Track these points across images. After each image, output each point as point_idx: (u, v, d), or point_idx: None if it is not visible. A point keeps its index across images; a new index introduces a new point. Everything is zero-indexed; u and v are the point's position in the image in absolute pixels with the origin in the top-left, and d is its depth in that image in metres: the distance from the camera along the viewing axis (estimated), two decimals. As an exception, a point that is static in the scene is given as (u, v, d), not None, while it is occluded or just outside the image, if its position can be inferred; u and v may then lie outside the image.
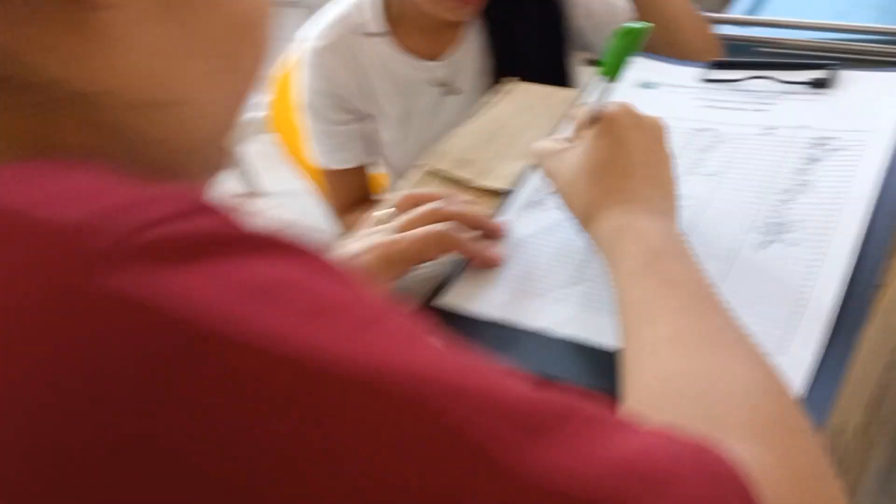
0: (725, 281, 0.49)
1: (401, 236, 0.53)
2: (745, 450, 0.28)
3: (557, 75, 1.05)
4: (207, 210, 0.26)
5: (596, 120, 0.50)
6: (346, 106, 1.04)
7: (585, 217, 0.49)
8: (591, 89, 0.52)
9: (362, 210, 1.12)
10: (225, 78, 0.33)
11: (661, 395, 0.34)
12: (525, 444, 0.24)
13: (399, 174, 1.18)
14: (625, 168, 0.48)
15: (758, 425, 0.31)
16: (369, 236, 0.54)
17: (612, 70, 0.53)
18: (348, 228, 1.15)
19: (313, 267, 0.26)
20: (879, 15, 1.09)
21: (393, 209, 0.57)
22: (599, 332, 0.48)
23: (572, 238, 0.55)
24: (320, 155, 1.09)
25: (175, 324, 0.22)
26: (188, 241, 0.24)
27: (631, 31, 0.52)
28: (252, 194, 2.73)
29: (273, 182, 2.69)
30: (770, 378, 0.34)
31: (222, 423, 0.22)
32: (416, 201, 0.57)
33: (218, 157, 0.35)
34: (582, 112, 0.53)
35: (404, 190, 0.62)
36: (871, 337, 0.45)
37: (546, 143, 0.55)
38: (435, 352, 0.26)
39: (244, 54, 0.33)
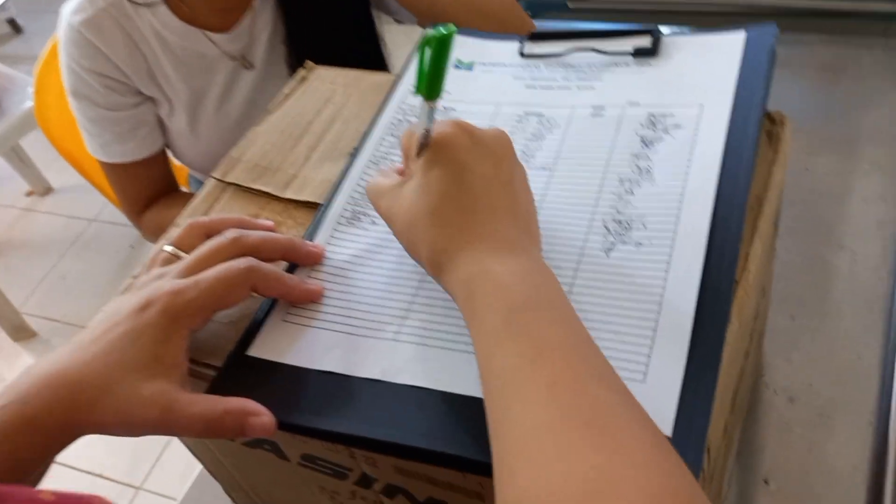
0: (570, 295, 0.43)
1: (188, 282, 0.42)
2: None
3: (362, 40, 0.96)
4: None
5: (425, 147, 0.42)
6: (119, 88, 0.89)
7: (433, 266, 0.40)
8: (418, 112, 0.42)
9: (167, 205, 0.98)
10: None
11: None
12: None
13: (193, 167, 1.05)
14: (467, 201, 0.40)
15: None
16: (148, 285, 0.44)
17: (429, 87, 0.41)
18: (150, 231, 1.01)
19: None
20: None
21: (171, 248, 0.47)
22: (443, 376, 0.41)
23: (400, 257, 0.47)
24: (98, 148, 0.94)
25: None
26: None
27: (436, 39, 0.40)
28: (38, 192, 2.45)
29: (61, 178, 2.42)
30: (669, 479, 0.29)
31: None
32: (204, 231, 0.47)
33: None
34: (408, 138, 0.44)
35: (187, 218, 0.51)
36: (733, 338, 0.41)
37: (377, 179, 0.46)
38: None
39: None
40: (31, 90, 1.60)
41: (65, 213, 2.39)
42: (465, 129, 0.42)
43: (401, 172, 0.47)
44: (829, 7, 1.04)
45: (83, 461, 1.68)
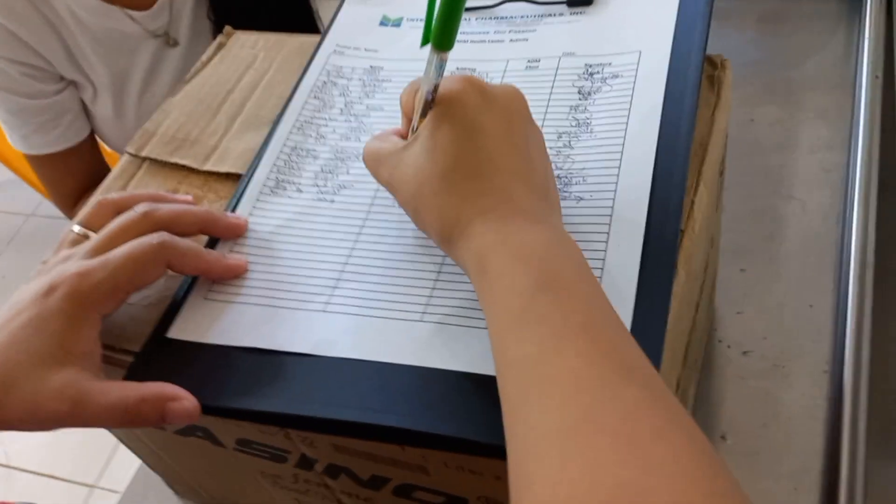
0: None
1: (96, 263, 0.39)
2: None
3: (292, 13, 0.92)
4: None
5: (431, 105, 0.37)
6: (38, 75, 0.84)
7: (442, 236, 0.36)
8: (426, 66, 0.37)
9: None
10: None
11: None
12: None
13: (122, 152, 1.00)
14: (479, 164, 0.36)
15: None
16: (54, 268, 0.40)
17: (441, 35, 0.36)
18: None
19: None
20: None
21: (79, 227, 0.43)
22: (377, 346, 0.38)
23: (329, 224, 0.45)
24: (19, 140, 0.88)
25: None
26: None
27: None
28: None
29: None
30: (711, 488, 0.25)
31: None
32: (114, 208, 0.44)
33: None
34: (417, 96, 0.39)
35: (99, 194, 0.47)
36: (681, 289, 0.39)
37: (375, 143, 0.41)
38: None
39: None
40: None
41: None
42: (475, 85, 0.37)
43: (400, 135, 0.42)
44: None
45: (33, 463, 1.63)
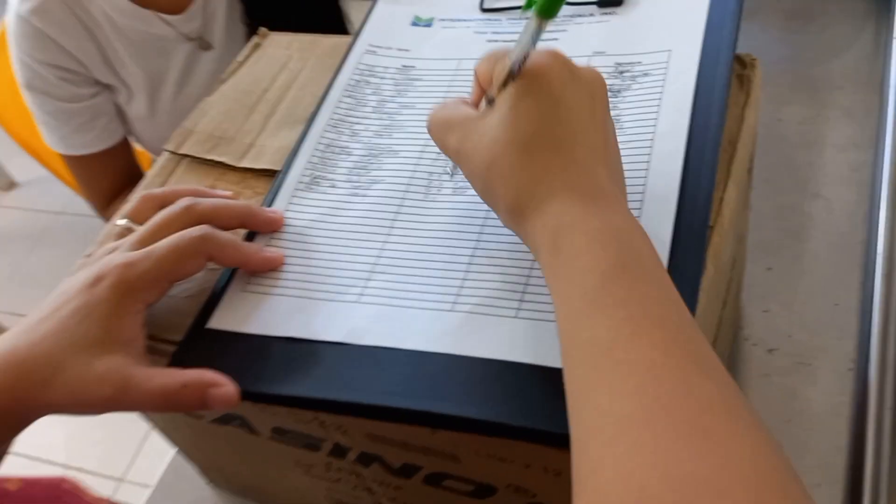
0: None
1: (140, 254, 0.40)
2: None
3: (323, 17, 0.94)
4: None
5: (515, 76, 0.36)
6: (75, 79, 0.86)
7: (514, 210, 0.35)
8: (521, 33, 0.37)
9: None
10: None
11: None
12: None
13: (155, 153, 1.02)
14: (564, 138, 0.35)
15: None
16: (100, 259, 0.42)
17: (550, 4, 0.36)
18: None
19: None
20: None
21: (126, 220, 0.45)
22: (409, 335, 0.39)
23: (363, 218, 0.46)
24: (57, 141, 0.90)
25: None
26: None
27: None
28: (1, 188, 2.39)
29: (24, 172, 2.36)
30: (783, 491, 0.25)
31: None
32: (157, 202, 0.45)
33: None
34: (494, 64, 0.38)
35: (141, 190, 0.49)
36: (708, 284, 0.40)
37: (445, 111, 0.40)
38: None
39: None
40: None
41: (30, 207, 2.34)
42: (563, 62, 0.37)
43: (470, 104, 0.41)
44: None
45: (62, 457, 1.66)
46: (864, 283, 0.64)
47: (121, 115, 0.92)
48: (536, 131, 0.35)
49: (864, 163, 0.74)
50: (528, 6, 0.37)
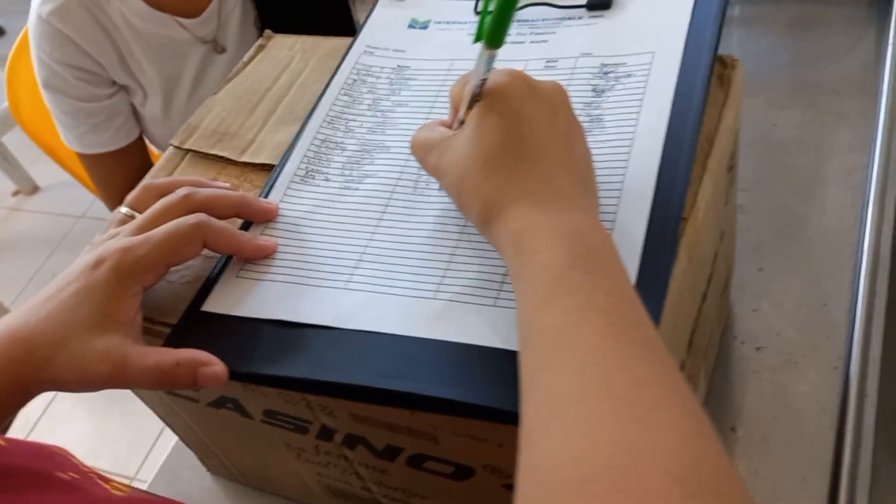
0: None
1: (139, 239, 0.43)
2: None
3: (335, 22, 0.96)
4: None
5: (479, 97, 0.40)
6: (92, 79, 0.89)
7: (483, 218, 0.38)
8: (475, 62, 0.40)
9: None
10: None
11: (556, 485, 0.27)
12: None
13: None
14: (523, 151, 0.38)
15: None
16: (102, 244, 0.44)
17: (493, 33, 0.39)
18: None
19: None
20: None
21: (126, 209, 0.47)
22: (393, 320, 0.41)
23: (353, 210, 0.48)
24: (74, 140, 0.93)
25: None
26: None
27: None
28: (24, 191, 2.45)
29: (47, 176, 2.41)
30: (700, 461, 0.26)
31: None
32: (158, 192, 0.47)
33: None
34: (465, 88, 0.42)
35: (143, 180, 0.51)
36: (681, 273, 0.42)
37: (423, 133, 0.44)
38: None
39: None
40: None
41: (52, 211, 2.39)
42: (521, 79, 0.40)
43: (446, 125, 0.45)
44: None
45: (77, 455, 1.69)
46: (854, 284, 0.65)
47: (136, 115, 0.95)
48: (499, 146, 0.38)
49: (859, 166, 0.75)
50: (477, 38, 0.40)
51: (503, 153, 0.38)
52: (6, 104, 1.99)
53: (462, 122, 0.41)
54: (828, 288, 0.67)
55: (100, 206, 1.11)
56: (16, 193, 2.47)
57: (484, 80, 0.40)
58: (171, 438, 0.68)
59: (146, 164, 1.00)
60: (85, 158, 0.96)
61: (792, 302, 0.67)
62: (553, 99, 0.40)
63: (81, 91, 0.89)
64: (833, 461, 0.56)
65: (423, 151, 0.44)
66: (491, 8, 0.39)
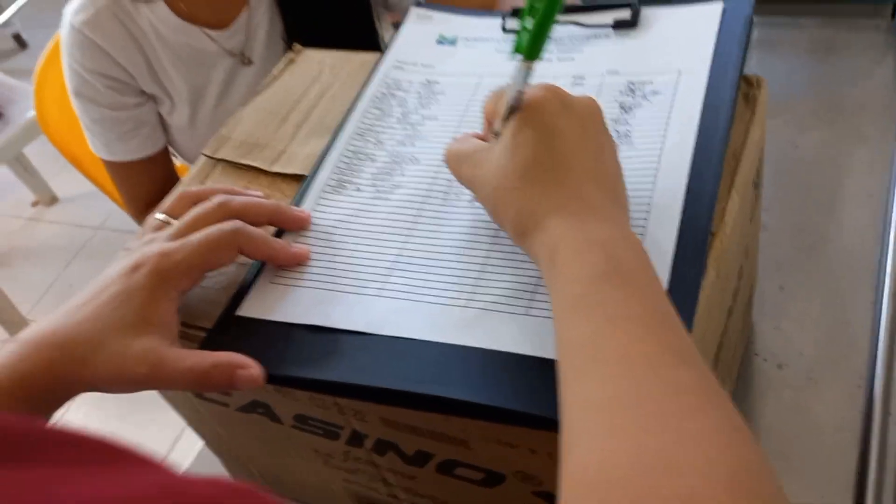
0: None
1: (177, 244, 0.44)
2: None
3: (360, 37, 0.98)
4: None
5: (515, 110, 0.41)
6: (121, 88, 0.90)
7: (518, 229, 0.39)
8: (513, 75, 0.41)
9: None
10: None
11: (591, 491, 0.27)
12: None
13: (192, 162, 1.07)
14: (556, 164, 0.39)
15: None
16: (139, 249, 0.45)
17: (531, 46, 0.40)
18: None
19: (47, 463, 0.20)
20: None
21: (162, 215, 0.48)
22: (425, 327, 0.42)
23: (385, 220, 0.49)
24: (101, 147, 0.95)
25: None
26: None
27: None
28: (43, 202, 2.47)
29: (66, 187, 2.44)
30: (740, 469, 0.27)
31: None
32: (193, 200, 0.48)
33: None
34: (498, 101, 0.43)
35: (178, 188, 0.52)
36: (710, 286, 0.42)
37: (456, 145, 0.45)
38: None
39: None
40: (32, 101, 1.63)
41: (70, 221, 2.42)
42: (555, 94, 0.41)
43: (479, 138, 0.46)
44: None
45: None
46: (875, 302, 0.66)
47: (162, 125, 0.97)
48: (533, 159, 0.40)
49: (878, 186, 0.76)
50: (515, 51, 0.41)
51: (536, 166, 0.39)
52: (28, 116, 2.03)
53: (497, 134, 0.42)
54: (849, 306, 0.67)
55: (118, 217, 1.13)
56: (35, 204, 2.49)
57: (521, 93, 0.41)
58: (186, 448, 0.69)
59: (170, 174, 1.01)
60: (111, 166, 0.97)
61: (813, 320, 0.67)
62: (584, 113, 0.41)
63: (110, 99, 0.90)
64: (857, 480, 0.57)
65: (456, 163, 0.45)
66: (528, 24, 0.40)
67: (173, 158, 1.05)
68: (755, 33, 0.99)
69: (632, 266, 0.36)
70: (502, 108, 0.42)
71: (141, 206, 1.02)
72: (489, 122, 0.45)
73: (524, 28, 0.41)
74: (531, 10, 0.40)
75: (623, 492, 0.26)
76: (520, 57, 0.41)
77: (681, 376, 0.30)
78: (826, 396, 0.62)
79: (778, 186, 0.79)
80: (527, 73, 0.41)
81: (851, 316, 0.67)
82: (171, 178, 1.01)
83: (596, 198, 0.39)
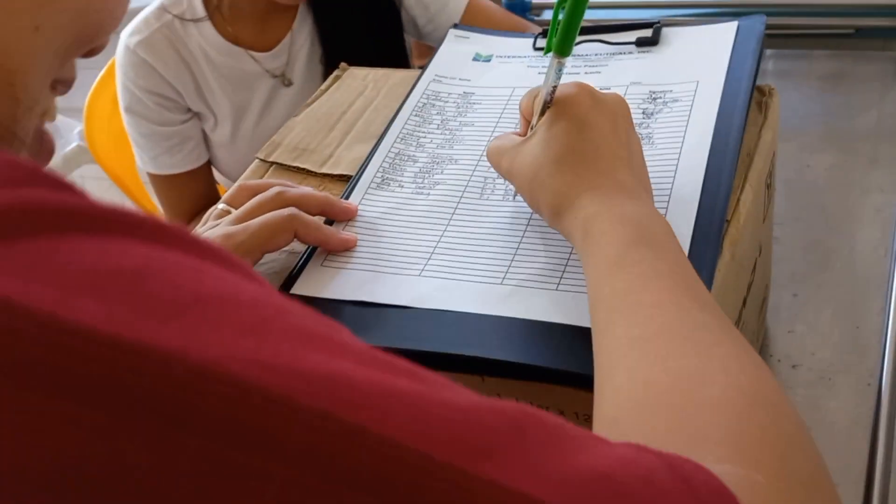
0: None
1: (238, 228, 0.48)
2: (728, 471, 0.25)
3: (391, 62, 1.04)
4: (37, 178, 0.21)
5: (549, 105, 0.45)
6: (170, 105, 0.97)
7: (554, 211, 0.43)
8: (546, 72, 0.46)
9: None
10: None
11: (633, 405, 0.31)
12: (478, 461, 0.21)
13: (231, 178, 1.12)
14: (590, 152, 0.43)
15: (743, 442, 0.28)
16: (206, 232, 0.50)
17: (562, 43, 0.44)
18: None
19: (180, 250, 0.22)
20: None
21: (224, 205, 0.53)
22: (464, 301, 0.46)
23: (425, 212, 0.53)
24: (149, 161, 1.01)
25: None
26: (9, 214, 0.20)
27: None
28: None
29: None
30: (759, 382, 0.31)
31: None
32: (252, 191, 0.53)
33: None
34: (534, 99, 0.47)
35: (238, 182, 0.57)
36: (725, 267, 0.46)
37: (498, 141, 0.50)
38: (354, 354, 0.23)
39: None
40: (75, 132, 1.72)
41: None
42: (587, 90, 0.45)
43: (518, 135, 0.50)
44: (831, 24, 1.10)
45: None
46: (884, 308, 0.69)
47: (205, 141, 1.03)
48: (566, 148, 0.44)
49: (887, 205, 0.80)
50: (548, 50, 0.46)
51: (570, 153, 0.44)
52: (73, 144, 2.11)
53: (533, 129, 0.47)
54: (860, 313, 0.71)
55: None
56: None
57: (554, 88, 0.45)
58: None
59: (211, 189, 1.07)
60: (156, 180, 1.03)
61: (825, 325, 0.71)
62: (614, 108, 0.46)
63: (159, 116, 0.97)
64: (866, 475, 0.59)
65: (497, 157, 0.49)
66: (558, 23, 0.45)
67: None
68: (769, 65, 1.04)
69: (660, 238, 0.40)
70: (537, 105, 0.47)
71: (184, 219, 1.07)
72: (525, 119, 0.49)
73: (554, 27, 0.46)
74: (561, 7, 0.45)
75: (664, 402, 0.30)
76: (552, 54, 0.45)
77: (706, 318, 0.34)
78: (838, 394, 0.65)
79: (790, 203, 0.83)
80: (559, 69, 0.45)
81: (862, 321, 0.70)
82: (212, 195, 1.07)
83: (626, 180, 0.43)
